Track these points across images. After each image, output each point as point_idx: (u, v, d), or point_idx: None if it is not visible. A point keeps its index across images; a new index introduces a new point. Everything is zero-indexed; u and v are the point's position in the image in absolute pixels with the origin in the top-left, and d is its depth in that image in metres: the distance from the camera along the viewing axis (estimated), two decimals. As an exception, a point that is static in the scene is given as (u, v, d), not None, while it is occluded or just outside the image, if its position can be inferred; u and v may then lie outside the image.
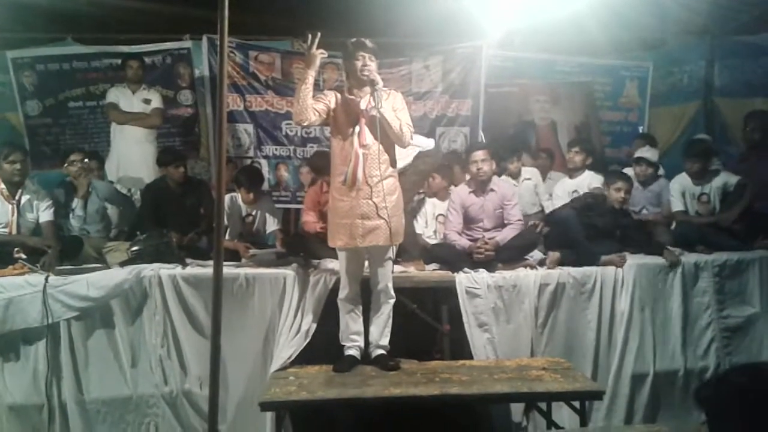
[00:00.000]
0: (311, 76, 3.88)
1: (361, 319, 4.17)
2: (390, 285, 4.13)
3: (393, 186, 4.05)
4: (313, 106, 3.90)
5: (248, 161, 6.49)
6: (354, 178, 3.92)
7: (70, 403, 4.28)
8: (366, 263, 4.18)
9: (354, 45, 3.97)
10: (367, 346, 4.21)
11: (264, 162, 6.56)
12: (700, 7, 6.56)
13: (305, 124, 3.98)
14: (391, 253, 4.13)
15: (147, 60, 6.66)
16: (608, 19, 6.03)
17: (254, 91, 6.56)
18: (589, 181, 5.68)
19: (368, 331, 4.20)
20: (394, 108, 4.00)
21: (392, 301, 4.16)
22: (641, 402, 4.61)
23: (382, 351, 4.19)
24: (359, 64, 3.94)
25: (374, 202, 3.95)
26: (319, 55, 3.86)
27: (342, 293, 4.13)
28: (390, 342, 4.20)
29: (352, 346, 4.17)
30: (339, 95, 4.03)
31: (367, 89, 3.96)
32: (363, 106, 3.95)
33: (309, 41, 3.84)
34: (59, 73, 6.78)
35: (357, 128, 3.93)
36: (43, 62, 6.75)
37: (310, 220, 5.05)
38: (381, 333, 4.17)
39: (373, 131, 3.92)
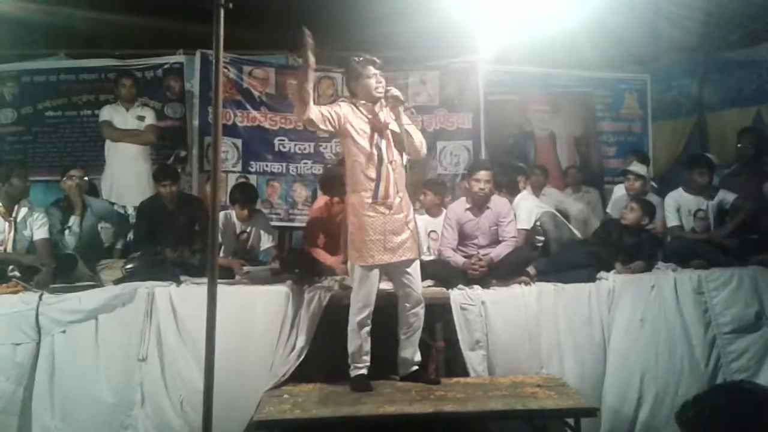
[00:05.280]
0: (312, 79, 3.83)
1: (369, 338, 4.14)
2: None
3: (408, 201, 4.10)
4: (320, 109, 3.91)
5: (234, 177, 6.44)
6: (386, 194, 3.93)
7: (48, 421, 4.21)
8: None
9: (363, 63, 3.99)
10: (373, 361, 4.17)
11: (253, 178, 6.49)
12: (691, 26, 6.63)
13: (306, 118, 3.85)
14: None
15: (139, 74, 6.67)
16: (601, 36, 6.09)
17: (246, 107, 6.56)
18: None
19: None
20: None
21: (423, 310, 4.17)
22: (643, 420, 4.56)
23: (417, 367, 4.22)
24: (373, 81, 3.97)
25: (402, 217, 4.00)
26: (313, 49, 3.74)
27: (362, 313, 4.02)
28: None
29: (364, 366, 4.12)
30: (356, 109, 4.01)
31: (377, 105, 4.01)
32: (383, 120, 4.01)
33: (305, 39, 3.68)
34: (44, 84, 6.76)
35: (383, 143, 3.95)
36: (30, 75, 6.75)
37: (322, 251, 5.05)
38: (415, 350, 4.20)
39: (397, 146, 3.99)
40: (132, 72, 6.58)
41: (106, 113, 6.22)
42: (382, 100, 4.02)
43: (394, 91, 3.99)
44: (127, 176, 6.15)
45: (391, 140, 3.99)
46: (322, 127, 3.93)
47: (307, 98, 3.80)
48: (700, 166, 5.48)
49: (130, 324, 4.31)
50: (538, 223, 5.36)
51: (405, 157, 4.10)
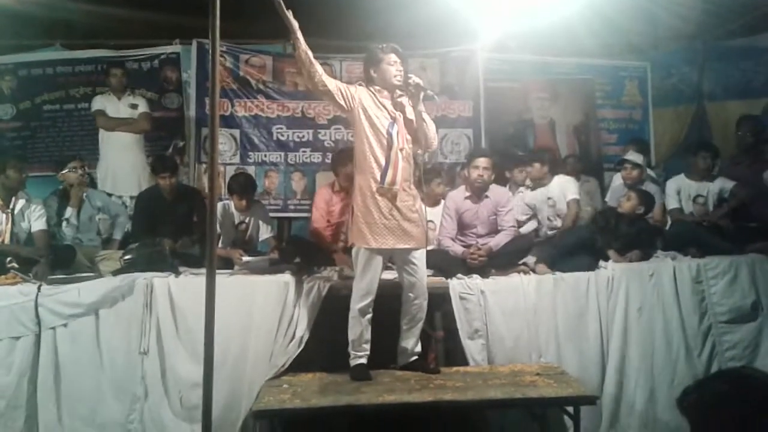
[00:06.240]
0: (301, 39, 3.76)
1: (370, 327, 4.13)
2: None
3: (415, 190, 4.11)
4: (336, 82, 3.96)
5: (233, 168, 6.42)
6: (393, 180, 3.92)
7: (53, 414, 4.23)
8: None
9: (385, 49, 4.00)
10: (372, 350, 4.16)
11: (251, 169, 6.46)
12: (689, 14, 6.61)
13: (321, 86, 3.87)
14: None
15: (135, 65, 6.65)
16: (600, 24, 6.06)
17: (243, 95, 6.53)
18: (562, 189, 5.58)
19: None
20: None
21: (426, 302, 4.16)
22: (641, 408, 4.56)
23: (416, 357, 4.23)
24: (393, 69, 3.98)
25: (410, 205, 4.00)
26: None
27: (364, 301, 4.03)
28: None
29: (364, 355, 4.12)
30: (371, 94, 4.02)
31: (394, 93, 4.01)
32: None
33: (279, 8, 3.63)
34: (41, 77, 6.72)
35: (395, 129, 3.94)
36: (26, 67, 6.71)
37: (322, 231, 5.07)
38: (417, 341, 4.21)
39: (410, 133, 4.00)
40: (122, 62, 6.55)
41: (99, 103, 6.19)
42: (398, 89, 4.02)
43: (416, 78, 4.00)
44: (122, 166, 6.13)
45: (403, 128, 3.99)
46: (337, 99, 3.94)
47: (308, 60, 3.80)
48: (703, 150, 5.55)
49: (130, 317, 4.31)
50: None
51: (415, 147, 4.12)
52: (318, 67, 3.86)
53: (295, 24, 3.72)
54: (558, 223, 5.57)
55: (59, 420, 4.23)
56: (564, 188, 5.58)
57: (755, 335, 4.75)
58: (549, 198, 5.61)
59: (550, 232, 5.58)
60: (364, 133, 3.97)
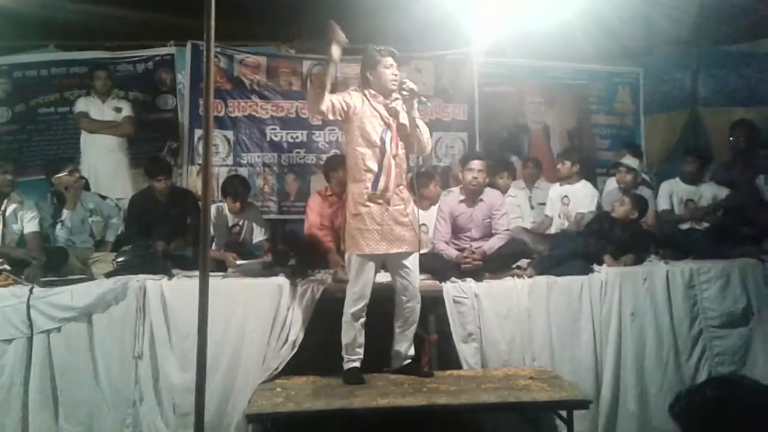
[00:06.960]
0: (333, 69, 3.82)
1: (363, 331, 4.13)
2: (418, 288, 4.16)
3: (408, 194, 4.10)
4: (331, 99, 3.87)
5: (225, 169, 6.38)
6: (386, 186, 3.92)
7: (46, 417, 4.20)
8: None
9: (383, 52, 3.97)
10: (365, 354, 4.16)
11: (244, 170, 6.41)
12: (685, 18, 6.62)
13: (321, 114, 3.89)
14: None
15: (129, 66, 6.63)
16: (595, 29, 6.07)
17: (237, 96, 6.50)
18: (583, 194, 5.75)
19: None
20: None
21: (419, 305, 4.15)
22: (632, 412, 4.57)
23: (410, 360, 4.22)
24: (389, 73, 3.97)
25: (402, 209, 4.00)
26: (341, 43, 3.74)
27: (357, 305, 4.02)
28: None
29: (357, 359, 4.12)
30: (365, 99, 3.99)
31: (391, 96, 4.00)
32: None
33: (330, 32, 3.70)
34: (35, 79, 6.68)
35: (388, 135, 3.93)
36: (21, 69, 6.66)
37: (316, 234, 5.07)
38: (410, 344, 4.21)
39: (402, 139, 3.99)
40: (106, 64, 6.51)
41: (82, 105, 6.18)
42: (394, 93, 4.00)
43: (410, 84, 4.00)
44: (103, 169, 6.12)
45: (396, 133, 3.98)
46: (331, 117, 3.93)
47: (322, 95, 3.79)
48: (690, 156, 5.63)
49: (123, 320, 4.29)
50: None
51: (409, 152, 4.11)
52: (326, 98, 3.82)
53: (339, 53, 3.75)
54: (565, 223, 5.70)
55: (54, 424, 4.21)
56: (582, 196, 5.74)
57: (746, 340, 4.78)
58: (565, 196, 5.77)
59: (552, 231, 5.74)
60: (357, 140, 3.96)
